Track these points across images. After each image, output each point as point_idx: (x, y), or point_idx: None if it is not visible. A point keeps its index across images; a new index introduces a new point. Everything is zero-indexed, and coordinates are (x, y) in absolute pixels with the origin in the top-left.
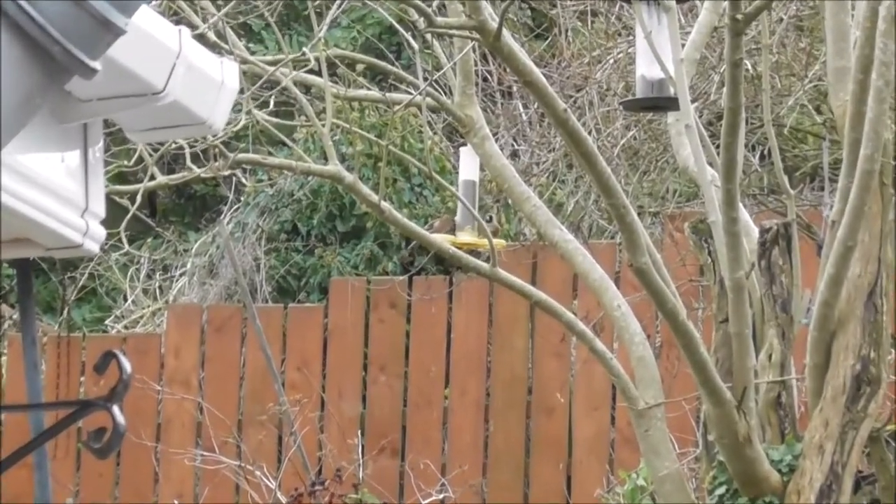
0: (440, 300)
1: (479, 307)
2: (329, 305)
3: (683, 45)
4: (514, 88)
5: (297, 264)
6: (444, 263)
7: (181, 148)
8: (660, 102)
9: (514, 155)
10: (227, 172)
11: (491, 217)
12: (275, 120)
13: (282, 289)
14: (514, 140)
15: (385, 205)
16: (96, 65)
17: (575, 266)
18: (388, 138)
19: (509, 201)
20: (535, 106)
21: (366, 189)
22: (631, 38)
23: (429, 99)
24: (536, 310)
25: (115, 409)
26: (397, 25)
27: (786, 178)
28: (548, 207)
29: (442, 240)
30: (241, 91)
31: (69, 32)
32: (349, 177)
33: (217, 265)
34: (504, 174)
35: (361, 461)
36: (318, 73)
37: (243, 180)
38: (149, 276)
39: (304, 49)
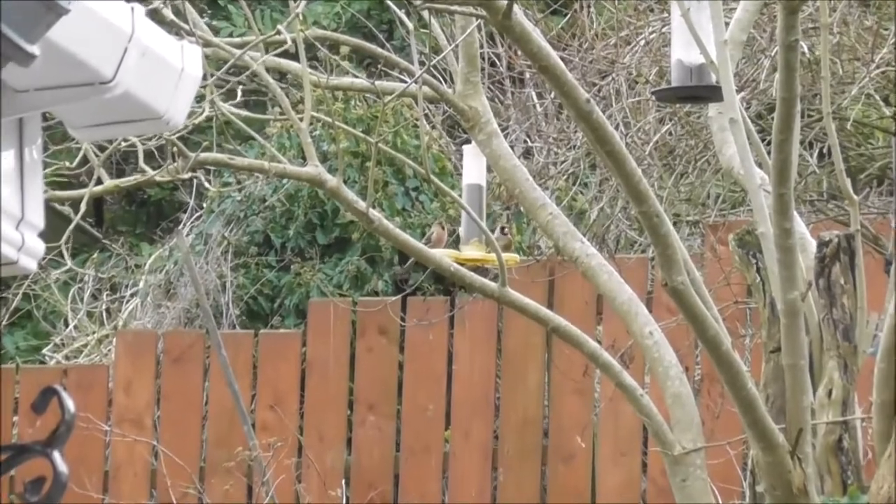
0: (439, 326)
1: (486, 334)
2: (308, 332)
3: (727, 25)
4: (527, 75)
5: (270, 283)
6: (445, 282)
7: (133, 146)
8: (699, 92)
9: (526, 154)
10: (186, 175)
11: (501, 228)
12: (244, 112)
13: (252, 312)
14: (528, 136)
15: (374, 213)
16: (34, 49)
17: (599, 286)
18: (377, 134)
19: (521, 209)
20: (552, 96)
21: (351, 194)
22: (666, 15)
23: (426, 88)
24: (554, 338)
25: (56, 454)
26: (388, 0)
27: (849, 182)
28: (567, 216)
29: (442, 254)
30: (205, 78)
31: (3, 12)
32: (331, 179)
33: (175, 284)
34: (515, 177)
35: None
36: (295, 57)
37: (206, 184)
38: (94, 297)
39: (279, 27)
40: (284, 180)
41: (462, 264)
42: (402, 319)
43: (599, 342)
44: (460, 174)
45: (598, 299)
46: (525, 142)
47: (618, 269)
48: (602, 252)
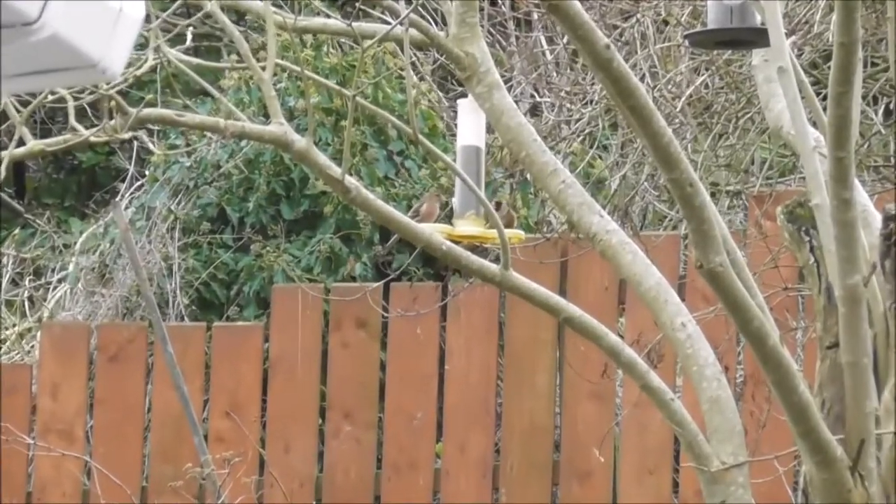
0: (429, 317)
1: (485, 327)
2: (271, 324)
3: None
4: (535, 16)
5: (226, 266)
6: (436, 265)
7: (61, 101)
8: (741, 35)
9: (534, 111)
10: (126, 135)
11: (502, 200)
12: (195, 61)
13: (204, 301)
14: (535, 89)
15: (351, 181)
16: None
17: (621, 268)
18: (355, 86)
19: (528, 176)
20: (565, 41)
21: (324, 158)
22: None
23: (413, 30)
24: (566, 331)
25: None
26: None
27: None
28: (583, 184)
29: (432, 231)
30: (148, 20)
31: None
32: (300, 141)
33: (111, 267)
34: (520, 137)
35: None
36: None
37: (149, 146)
38: (14, 283)
39: None
40: (243, 142)
41: (457, 242)
42: (385, 309)
43: (621, 336)
44: (454, 135)
45: (619, 285)
46: (532, 96)
47: (644, 248)
48: (625, 228)
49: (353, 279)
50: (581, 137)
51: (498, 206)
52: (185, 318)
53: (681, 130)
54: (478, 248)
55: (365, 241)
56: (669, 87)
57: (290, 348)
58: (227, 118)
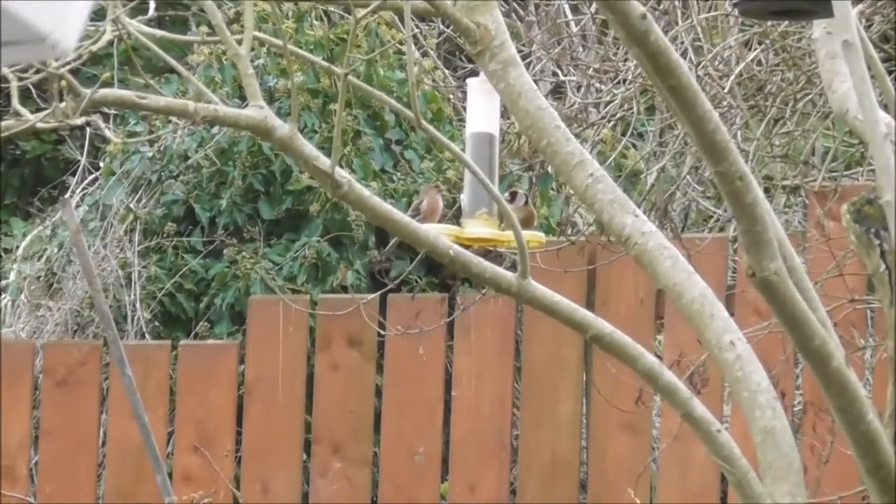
0: (434, 335)
1: (499, 346)
2: (248, 343)
3: None
4: None
5: (194, 274)
6: (441, 273)
7: (2, 81)
8: (800, 4)
9: (557, 92)
10: (79, 120)
11: (511, 192)
12: (158, 33)
13: (168, 315)
14: (558, 67)
15: (342, 174)
16: None
17: (659, 277)
18: (346, 64)
19: (549, 169)
20: (593, 9)
21: (310, 147)
22: None
23: None
24: (594, 351)
25: None
26: None
27: None
28: (614, 178)
29: (437, 233)
30: None
31: None
32: (282, 127)
33: (60, 276)
34: (541, 123)
35: None
36: None
37: (105, 133)
38: None
39: None
40: (215, 129)
41: (466, 247)
42: (381, 326)
43: (659, 357)
44: (463, 120)
45: (657, 296)
46: (555, 74)
47: (686, 253)
48: (664, 230)
49: (345, 290)
50: (612, 123)
51: (513, 197)
52: (147, 335)
53: (729, 115)
54: (491, 252)
55: (358, 245)
56: (716, 63)
57: (270, 371)
58: (196, 100)
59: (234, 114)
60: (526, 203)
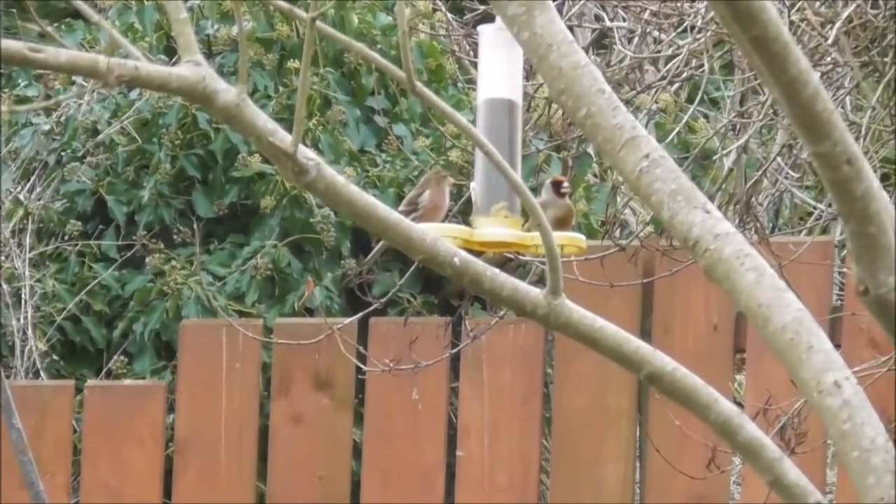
0: (433, 373)
1: (523, 389)
2: (178, 384)
3: None
4: None
5: (106, 290)
6: (443, 290)
7: None
8: None
9: (600, 43)
10: None
11: (554, 183)
12: None
13: (71, 346)
14: (602, 8)
15: (308, 154)
16: None
17: (738, 295)
18: (312, 5)
19: (590, 149)
20: None
21: (263, 119)
22: None
23: None
24: (650, 395)
25: None
26: None
27: None
28: (679, 161)
29: (438, 236)
30: None
31: None
32: (225, 91)
33: None
34: (579, 86)
35: None
36: None
37: None
38: None
39: None
40: (134, 92)
41: (477, 254)
42: (362, 360)
43: (739, 404)
44: (472, 82)
45: (736, 322)
46: (598, 19)
47: (776, 262)
48: (746, 231)
49: (310, 312)
50: (676, 86)
51: (557, 188)
52: (42, 373)
53: (834, 75)
54: (511, 261)
55: (328, 252)
56: (816, 6)
57: (209, 423)
58: (109, 54)
59: (160, 73)
60: (568, 191)
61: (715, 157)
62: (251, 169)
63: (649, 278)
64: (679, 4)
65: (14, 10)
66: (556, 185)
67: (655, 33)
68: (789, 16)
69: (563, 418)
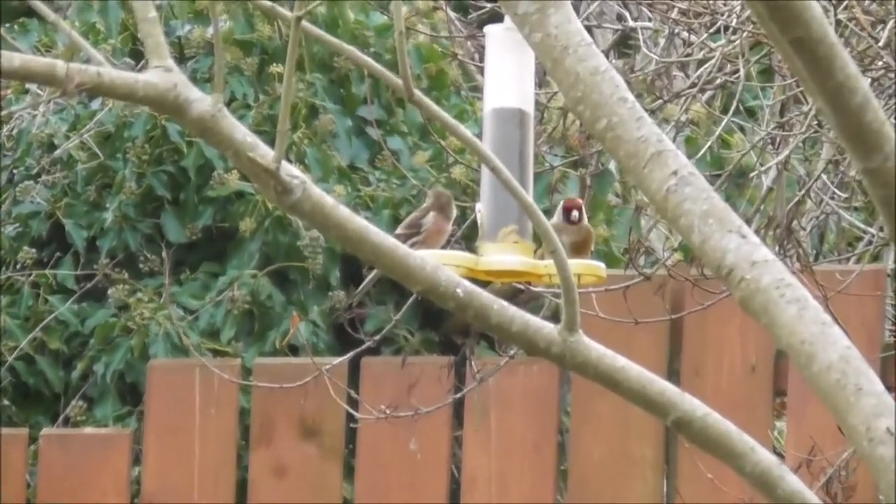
0: (434, 421)
1: (535, 437)
2: (146, 432)
3: None
4: None
5: (65, 327)
6: (444, 325)
7: None
8: None
9: (623, 46)
10: None
11: (566, 210)
12: None
13: (25, 389)
14: (625, 6)
15: (292, 171)
16: None
17: (778, 330)
18: (297, 4)
19: (611, 165)
20: None
21: (242, 131)
22: None
23: None
24: (681, 444)
25: None
26: None
27: None
28: (710, 179)
29: (439, 264)
30: None
31: None
32: (199, 100)
33: None
34: (598, 94)
35: None
36: None
37: None
38: None
39: None
40: (96, 102)
41: (484, 284)
42: (353, 405)
43: (780, 454)
44: (478, 89)
45: (776, 360)
46: (620, 19)
47: (821, 293)
48: (787, 258)
49: (295, 351)
50: (708, 94)
51: (568, 214)
52: None
53: (886, 81)
54: (522, 293)
55: (315, 281)
56: (866, 4)
57: (180, 475)
58: (68, 58)
59: (126, 80)
60: (580, 219)
61: (752, 175)
62: (228, 188)
63: (678, 313)
64: (711, 2)
65: None
66: (567, 212)
67: (685, 35)
68: (836, 14)
69: (580, 469)
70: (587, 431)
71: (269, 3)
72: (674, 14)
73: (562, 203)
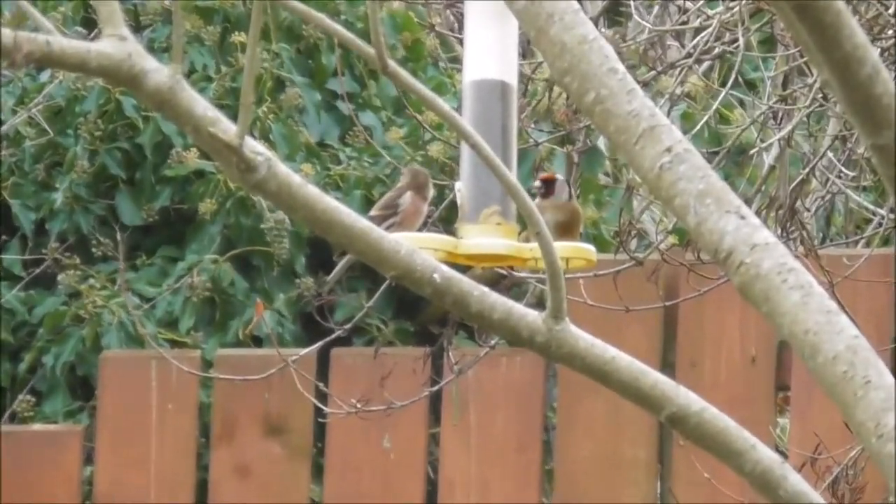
0: (409, 416)
1: (518, 435)
2: (99, 429)
3: None
4: None
5: (10, 315)
6: (421, 314)
7: None
8: None
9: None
10: None
11: (559, 181)
12: None
13: None
14: None
15: (257, 147)
16: None
17: (780, 319)
18: None
19: (601, 142)
20: None
21: (202, 105)
22: None
23: None
24: (675, 442)
25: None
26: None
27: None
28: (707, 156)
29: (416, 248)
30: None
31: None
32: (156, 71)
33: None
34: (586, 65)
35: None
36: None
37: None
38: None
39: None
40: (45, 73)
41: (464, 269)
42: (322, 399)
43: (782, 453)
44: (457, 60)
45: (778, 352)
46: None
47: (827, 279)
48: (789, 241)
49: (258, 342)
50: (705, 66)
51: (548, 186)
52: None
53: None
54: (504, 279)
55: (281, 267)
56: None
57: (135, 476)
58: (15, 27)
59: (77, 50)
60: (569, 198)
61: (752, 152)
62: (187, 167)
63: (672, 300)
64: None
65: None
66: (547, 183)
67: (680, 1)
68: None
69: (567, 470)
70: (575, 429)
71: None
72: None
73: (538, 181)
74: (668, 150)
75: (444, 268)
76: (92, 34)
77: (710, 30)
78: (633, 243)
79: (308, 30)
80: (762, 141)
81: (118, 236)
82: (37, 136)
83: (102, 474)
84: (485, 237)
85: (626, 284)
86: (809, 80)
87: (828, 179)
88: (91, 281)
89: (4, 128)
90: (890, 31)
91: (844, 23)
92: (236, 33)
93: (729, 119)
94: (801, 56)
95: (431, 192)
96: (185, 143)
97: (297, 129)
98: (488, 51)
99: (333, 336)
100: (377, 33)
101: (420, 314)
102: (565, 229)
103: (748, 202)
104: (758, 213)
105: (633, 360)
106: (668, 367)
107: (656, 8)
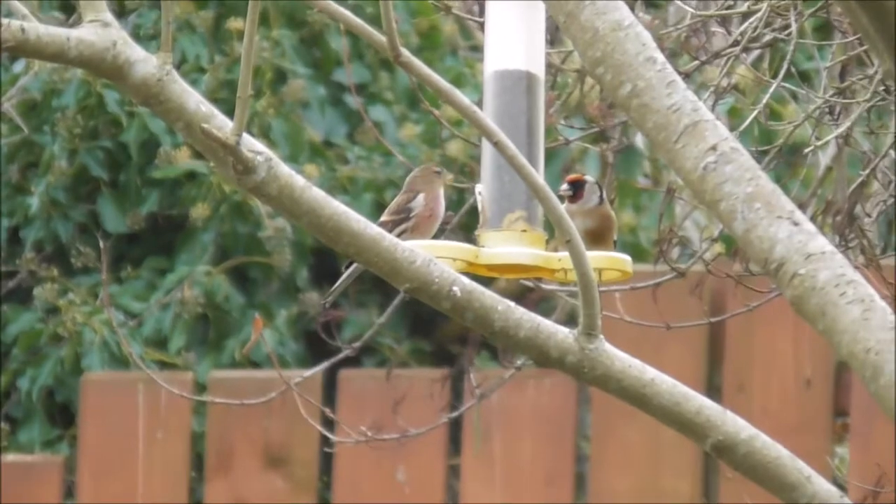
0: (425, 445)
1: (548, 465)
2: (80, 458)
3: None
4: None
5: None
6: (438, 332)
7: None
8: None
9: None
10: None
11: (589, 184)
12: None
13: None
14: None
15: (255, 145)
16: None
17: (839, 337)
18: None
19: (638, 140)
20: None
21: (195, 99)
22: None
23: None
24: (722, 473)
25: None
26: None
27: None
28: (757, 156)
29: (432, 257)
30: None
31: None
32: (144, 61)
33: None
34: (621, 54)
35: None
36: None
37: None
38: None
39: None
40: (20, 64)
41: (486, 281)
42: (329, 426)
43: (841, 486)
44: (477, 49)
45: (836, 374)
46: None
47: (889, 292)
48: (849, 250)
49: (256, 363)
50: (753, 55)
51: (576, 189)
52: None
53: None
54: (531, 292)
55: (281, 281)
56: None
57: None
58: None
59: (56, 37)
60: (601, 202)
61: (807, 151)
62: (176, 168)
63: (718, 316)
64: None
65: None
66: (574, 185)
67: None
68: None
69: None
70: (610, 460)
71: None
72: None
73: (566, 184)
74: (713, 148)
75: (465, 280)
76: (71, 19)
77: (759, 15)
78: (675, 253)
79: (312, 15)
80: (817, 139)
81: (100, 245)
82: (10, 134)
83: None
84: (508, 245)
85: (666, 298)
86: (870, 71)
87: (890, 181)
88: (70, 295)
89: None
90: None
91: None
92: (232, 19)
93: (780, 114)
94: (861, 44)
95: (442, 193)
96: (174, 141)
97: (300, 126)
98: (513, 38)
99: (341, 356)
100: (389, 18)
101: (437, 332)
102: (596, 237)
103: (802, 207)
104: (813, 219)
105: (676, 383)
106: (713, 390)
107: None
